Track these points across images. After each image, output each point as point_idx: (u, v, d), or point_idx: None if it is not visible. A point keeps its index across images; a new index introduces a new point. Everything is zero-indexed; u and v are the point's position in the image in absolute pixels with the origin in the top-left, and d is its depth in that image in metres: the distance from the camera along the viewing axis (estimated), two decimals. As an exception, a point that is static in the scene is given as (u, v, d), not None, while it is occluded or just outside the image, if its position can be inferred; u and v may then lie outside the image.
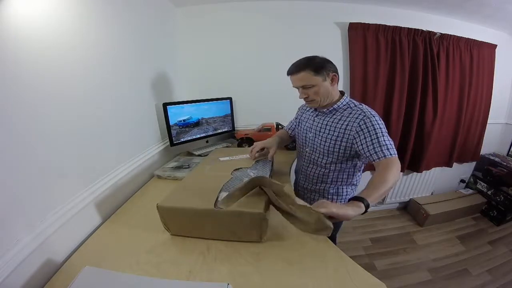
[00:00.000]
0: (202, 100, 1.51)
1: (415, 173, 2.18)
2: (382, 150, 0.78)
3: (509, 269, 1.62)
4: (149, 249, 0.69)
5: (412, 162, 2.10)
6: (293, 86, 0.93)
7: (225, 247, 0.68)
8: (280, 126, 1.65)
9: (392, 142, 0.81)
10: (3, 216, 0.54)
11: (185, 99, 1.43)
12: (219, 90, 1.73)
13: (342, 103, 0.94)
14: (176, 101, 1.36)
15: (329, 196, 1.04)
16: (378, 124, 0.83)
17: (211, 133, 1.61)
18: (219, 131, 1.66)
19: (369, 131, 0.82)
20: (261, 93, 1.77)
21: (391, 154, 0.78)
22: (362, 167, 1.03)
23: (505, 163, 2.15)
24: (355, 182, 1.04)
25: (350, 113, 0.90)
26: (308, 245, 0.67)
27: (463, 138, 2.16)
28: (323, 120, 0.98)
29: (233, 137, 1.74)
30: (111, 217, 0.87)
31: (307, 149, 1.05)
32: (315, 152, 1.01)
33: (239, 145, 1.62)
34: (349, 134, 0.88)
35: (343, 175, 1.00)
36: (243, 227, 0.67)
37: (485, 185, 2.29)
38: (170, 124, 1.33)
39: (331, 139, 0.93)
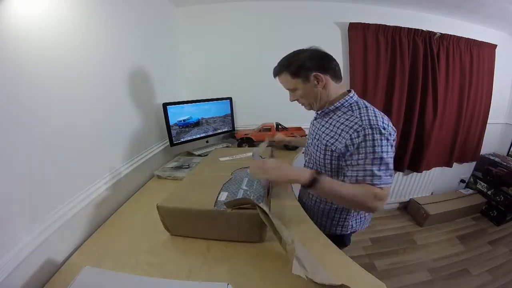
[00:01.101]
0: (202, 100, 1.51)
1: (415, 173, 2.18)
2: (376, 177, 0.64)
3: (509, 269, 1.62)
4: (149, 249, 0.69)
5: (412, 162, 2.10)
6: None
7: (225, 247, 0.68)
8: (280, 126, 1.65)
9: (389, 172, 0.65)
10: (3, 216, 0.54)
11: (185, 99, 1.43)
12: (219, 90, 1.73)
13: (342, 103, 0.77)
14: (176, 101, 1.36)
15: (333, 216, 0.88)
16: (382, 142, 0.64)
17: (211, 133, 1.61)
18: (219, 131, 1.66)
19: (372, 149, 0.64)
20: (261, 93, 1.78)
21: (380, 184, 0.63)
22: None
23: (505, 163, 2.15)
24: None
25: (347, 118, 0.72)
26: (308, 245, 0.67)
27: (463, 138, 2.16)
28: (320, 123, 0.84)
29: (233, 137, 1.74)
30: (111, 217, 0.87)
31: (306, 158, 0.94)
32: (310, 162, 0.88)
33: (239, 145, 1.62)
34: (336, 146, 0.73)
35: None
36: (243, 227, 0.67)
37: (485, 185, 2.29)
38: (170, 124, 1.33)
39: (323, 148, 0.78)
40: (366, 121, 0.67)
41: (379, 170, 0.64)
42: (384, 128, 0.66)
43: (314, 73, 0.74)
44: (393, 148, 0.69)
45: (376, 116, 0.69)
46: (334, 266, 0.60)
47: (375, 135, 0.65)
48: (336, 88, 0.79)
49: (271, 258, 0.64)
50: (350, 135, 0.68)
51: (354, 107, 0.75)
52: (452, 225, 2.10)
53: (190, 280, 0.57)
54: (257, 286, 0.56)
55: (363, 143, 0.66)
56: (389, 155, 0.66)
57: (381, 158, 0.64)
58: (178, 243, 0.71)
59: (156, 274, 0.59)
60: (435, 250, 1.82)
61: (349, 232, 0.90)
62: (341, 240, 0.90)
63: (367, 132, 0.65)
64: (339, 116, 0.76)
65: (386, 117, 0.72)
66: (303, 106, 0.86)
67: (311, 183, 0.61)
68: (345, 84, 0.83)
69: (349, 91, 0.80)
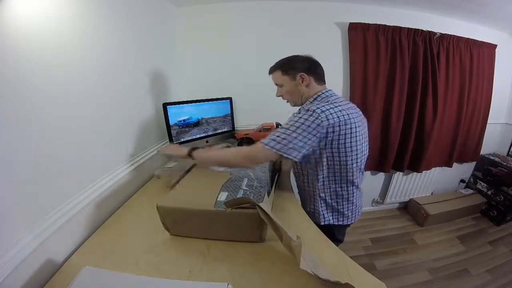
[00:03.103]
0: (202, 100, 1.51)
1: (415, 173, 2.18)
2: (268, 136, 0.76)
3: (509, 269, 1.62)
4: (149, 249, 0.69)
5: (412, 162, 2.10)
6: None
7: (225, 247, 0.68)
8: (280, 126, 1.65)
9: (286, 138, 0.73)
10: (3, 216, 0.54)
11: (185, 99, 1.43)
12: (219, 90, 1.72)
13: (314, 97, 0.88)
14: (176, 101, 1.36)
15: (318, 203, 0.92)
16: (300, 117, 0.75)
17: (211, 133, 1.61)
18: (219, 131, 1.66)
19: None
20: (261, 93, 1.76)
21: (261, 142, 0.75)
22: (329, 163, 0.84)
23: (505, 163, 2.15)
24: (322, 196, 0.89)
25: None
26: (308, 245, 0.67)
27: (463, 138, 2.16)
28: None
29: (233, 137, 1.74)
30: (111, 217, 0.87)
31: None
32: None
33: (239, 145, 1.62)
34: None
35: (316, 178, 0.87)
36: (243, 227, 0.67)
37: (485, 185, 2.29)
38: (170, 124, 1.33)
39: None
40: (309, 106, 0.80)
41: (283, 134, 0.74)
42: (313, 110, 0.75)
43: (300, 74, 0.86)
44: (313, 128, 0.74)
45: (317, 105, 0.78)
46: (334, 266, 0.60)
47: (302, 112, 0.78)
48: (317, 88, 0.89)
49: (271, 258, 0.64)
50: None
51: (318, 99, 0.86)
52: (452, 225, 2.10)
53: (190, 280, 0.57)
54: (257, 286, 0.56)
55: (292, 117, 0.79)
56: (303, 128, 0.74)
57: (295, 127, 0.74)
58: (178, 243, 0.71)
59: (156, 274, 0.59)
60: (435, 250, 1.82)
61: (322, 223, 0.92)
62: (330, 233, 0.86)
63: (300, 111, 0.80)
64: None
65: (335, 109, 0.77)
66: (287, 102, 0.97)
67: (189, 153, 0.86)
68: (327, 87, 0.92)
69: (321, 91, 0.89)
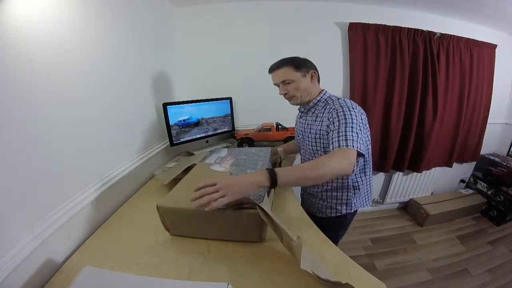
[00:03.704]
0: (202, 100, 1.51)
1: (415, 173, 2.18)
2: (342, 140, 0.73)
3: (509, 269, 1.62)
4: (149, 249, 0.68)
5: (412, 162, 2.11)
6: (274, 84, 0.97)
7: (225, 247, 0.68)
8: (280, 126, 1.65)
9: (359, 137, 0.76)
10: (3, 216, 0.54)
11: (185, 99, 1.43)
12: (219, 90, 1.72)
13: (319, 99, 0.94)
14: (176, 101, 1.36)
15: (331, 200, 0.99)
16: (351, 115, 0.79)
17: (211, 133, 1.61)
18: (219, 131, 1.66)
19: (339, 122, 0.79)
20: (261, 93, 1.77)
21: (347, 146, 0.72)
22: (360, 164, 0.94)
23: (505, 163, 2.15)
24: (355, 184, 0.96)
25: (326, 108, 0.89)
26: (308, 245, 0.67)
27: (463, 138, 2.16)
28: (305, 120, 0.99)
29: (233, 137, 1.74)
30: (111, 217, 0.87)
31: (301, 151, 1.08)
32: (306, 153, 1.01)
33: (239, 145, 1.62)
34: (325, 131, 0.86)
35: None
36: (243, 227, 0.67)
37: (485, 185, 2.29)
38: (170, 124, 1.33)
39: (314, 138, 0.93)
40: (337, 104, 0.85)
41: (356, 133, 0.75)
42: (356, 107, 0.85)
43: (312, 71, 0.92)
44: (364, 123, 0.85)
45: (344, 101, 0.86)
46: (334, 266, 0.60)
47: (345, 109, 0.81)
48: (317, 87, 0.97)
49: (271, 258, 0.64)
50: (328, 118, 0.85)
51: (328, 101, 0.92)
52: (452, 225, 2.10)
53: (190, 280, 0.57)
54: (257, 286, 0.56)
55: (336, 118, 0.81)
56: (358, 123, 0.79)
57: (355, 124, 0.77)
58: (178, 243, 0.71)
59: (156, 274, 0.59)
60: (435, 250, 1.83)
61: (353, 210, 1.00)
62: (343, 223, 1.05)
63: (343, 109, 0.82)
64: (319, 110, 0.93)
65: (354, 103, 0.87)
66: (290, 100, 0.97)
67: (272, 179, 0.61)
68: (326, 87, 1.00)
69: (322, 90, 0.96)
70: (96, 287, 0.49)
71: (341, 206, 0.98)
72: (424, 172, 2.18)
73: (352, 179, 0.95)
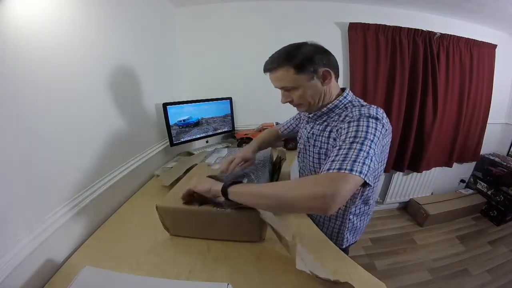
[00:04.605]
0: (202, 100, 1.51)
1: (415, 173, 2.18)
2: (342, 161, 0.48)
3: (509, 269, 1.62)
4: (149, 249, 0.69)
5: (412, 162, 2.10)
6: (274, 87, 0.72)
7: (225, 247, 0.68)
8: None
9: (373, 160, 0.50)
10: (3, 216, 0.54)
11: (185, 99, 1.43)
12: (219, 90, 1.73)
13: (336, 104, 0.69)
14: (176, 101, 1.36)
15: (328, 225, 0.82)
16: (369, 128, 0.54)
17: (211, 133, 1.61)
18: (219, 131, 1.66)
19: (347, 134, 0.55)
20: (261, 93, 1.77)
21: (345, 170, 0.46)
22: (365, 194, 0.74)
23: (505, 163, 2.15)
24: (352, 217, 0.77)
25: (341, 116, 0.65)
26: (308, 246, 0.67)
27: (463, 138, 2.16)
28: (312, 127, 0.76)
29: (233, 137, 1.74)
30: (111, 217, 0.87)
31: (301, 164, 0.87)
32: (305, 170, 0.81)
33: (239, 145, 1.62)
34: (332, 145, 0.65)
35: (355, 197, 0.73)
36: (243, 227, 0.67)
37: (485, 185, 2.29)
38: (170, 124, 1.33)
39: (317, 153, 0.71)
40: (356, 112, 0.60)
41: (363, 155, 0.48)
42: (377, 118, 0.57)
43: (324, 69, 0.64)
44: (386, 142, 0.61)
45: (369, 109, 0.60)
46: (334, 266, 0.60)
47: (361, 121, 0.56)
48: (335, 88, 0.70)
49: (271, 258, 0.64)
50: (337, 129, 0.62)
51: (348, 106, 0.68)
52: (452, 225, 2.10)
53: (190, 280, 0.57)
54: (257, 286, 0.56)
55: (346, 129, 0.56)
56: (375, 141, 0.52)
57: (369, 140, 0.52)
58: (178, 243, 0.71)
59: (156, 274, 0.59)
60: (435, 250, 1.82)
61: (344, 246, 0.82)
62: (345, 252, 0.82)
63: (353, 119, 0.58)
64: (331, 118, 0.69)
65: (382, 113, 0.62)
66: (297, 108, 0.74)
67: (224, 191, 0.58)
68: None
69: (343, 90, 0.72)
70: (96, 287, 0.49)
71: (331, 238, 0.71)
72: (424, 172, 2.18)
73: (349, 208, 0.75)
